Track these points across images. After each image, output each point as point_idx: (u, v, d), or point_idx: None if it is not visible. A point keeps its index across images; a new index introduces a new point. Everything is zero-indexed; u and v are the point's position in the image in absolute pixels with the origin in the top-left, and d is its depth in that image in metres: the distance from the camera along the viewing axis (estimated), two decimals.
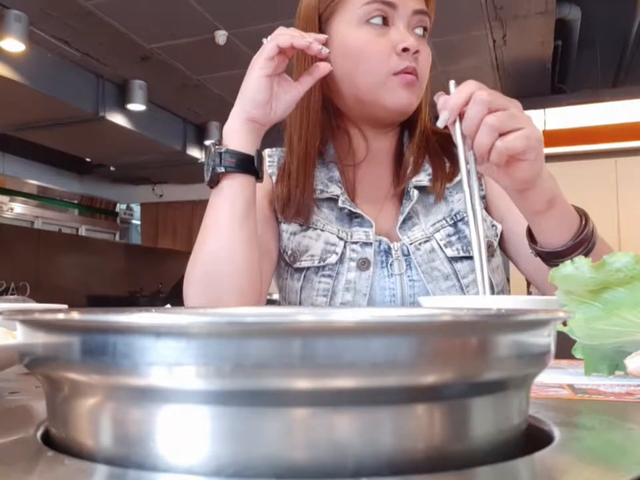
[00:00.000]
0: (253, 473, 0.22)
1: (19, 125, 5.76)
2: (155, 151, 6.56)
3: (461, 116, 0.73)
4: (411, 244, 0.95)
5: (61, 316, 0.26)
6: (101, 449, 0.24)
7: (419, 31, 0.95)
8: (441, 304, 0.71)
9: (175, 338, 0.22)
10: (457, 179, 0.99)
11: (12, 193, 7.69)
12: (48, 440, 0.28)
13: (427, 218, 0.97)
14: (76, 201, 8.65)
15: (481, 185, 0.99)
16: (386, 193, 1.01)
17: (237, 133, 0.85)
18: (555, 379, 0.54)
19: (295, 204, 0.97)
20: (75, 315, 0.27)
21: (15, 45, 4.17)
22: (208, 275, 0.84)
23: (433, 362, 0.23)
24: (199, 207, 8.36)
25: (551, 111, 5.42)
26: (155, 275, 6.49)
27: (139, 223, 9.37)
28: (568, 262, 0.55)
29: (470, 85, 0.72)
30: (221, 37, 4.40)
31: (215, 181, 0.86)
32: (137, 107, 5.48)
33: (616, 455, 0.28)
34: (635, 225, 5.00)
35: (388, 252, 0.95)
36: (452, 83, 0.76)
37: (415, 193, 0.97)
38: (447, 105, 0.73)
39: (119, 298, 5.79)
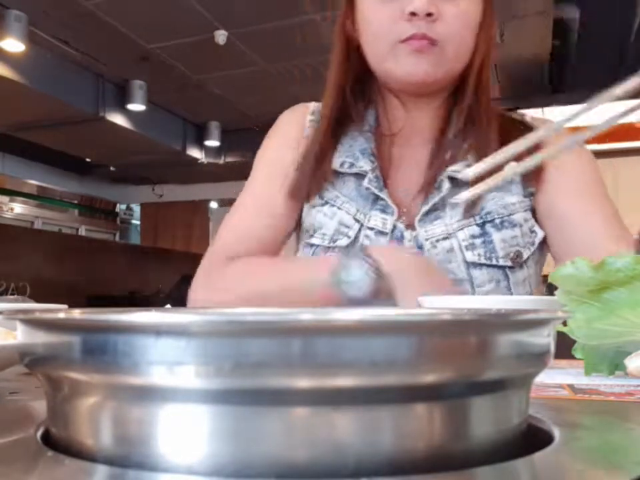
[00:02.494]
0: (253, 473, 0.22)
1: (18, 125, 5.76)
2: (155, 151, 6.56)
3: None
4: (427, 239, 0.85)
5: (61, 316, 0.26)
6: (101, 449, 0.24)
7: None
8: (441, 304, 0.71)
9: (175, 337, 0.22)
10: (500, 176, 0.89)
11: (12, 193, 7.69)
12: (48, 440, 0.27)
13: (454, 212, 0.86)
14: (76, 201, 8.65)
15: (530, 184, 0.89)
16: (420, 176, 0.90)
17: None
18: (554, 379, 0.54)
19: (305, 179, 0.91)
20: (75, 315, 0.27)
21: (14, 45, 4.17)
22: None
23: (433, 361, 0.23)
24: (199, 207, 8.37)
25: (549, 111, 5.42)
26: (155, 275, 6.49)
27: (138, 222, 9.37)
28: (568, 262, 0.55)
29: None
30: (221, 37, 4.40)
31: None
32: (136, 107, 5.48)
33: (616, 455, 0.28)
34: (634, 225, 4.99)
35: (400, 241, 0.86)
36: None
37: (446, 186, 0.86)
38: None
39: (119, 298, 5.79)
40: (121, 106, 5.54)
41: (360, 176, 0.90)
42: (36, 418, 0.32)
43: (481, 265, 0.85)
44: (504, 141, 0.88)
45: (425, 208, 0.87)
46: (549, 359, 0.28)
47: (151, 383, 0.22)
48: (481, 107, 0.90)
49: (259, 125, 5.57)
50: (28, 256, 5.39)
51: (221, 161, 7.04)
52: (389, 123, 0.93)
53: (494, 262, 0.85)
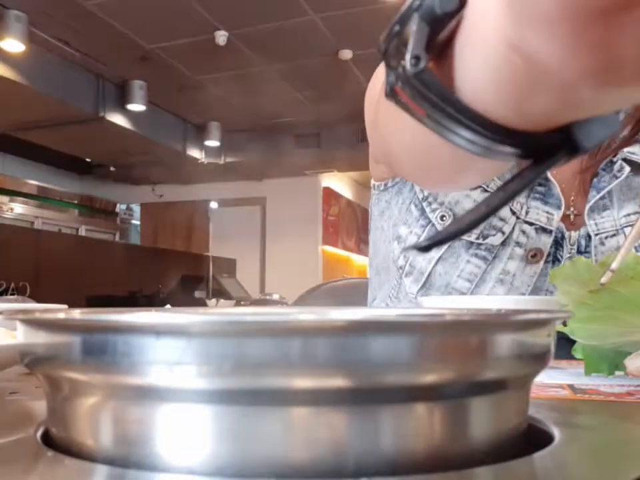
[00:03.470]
0: (253, 473, 0.22)
1: (18, 125, 5.77)
2: (155, 151, 6.56)
3: None
4: (596, 235, 0.71)
5: (61, 316, 0.26)
6: (100, 449, 0.24)
7: None
8: (441, 304, 0.71)
9: (175, 337, 0.22)
10: None
11: (12, 193, 7.68)
12: (48, 440, 0.27)
13: (622, 204, 0.72)
14: (76, 201, 8.64)
15: None
16: (583, 159, 0.75)
17: None
18: (554, 378, 0.54)
19: None
20: (75, 315, 0.27)
21: (14, 45, 4.18)
22: None
23: (433, 361, 0.23)
24: (199, 207, 8.37)
25: None
26: (155, 275, 6.49)
27: (138, 223, 9.37)
28: (567, 262, 0.55)
29: None
30: (221, 37, 4.41)
31: None
32: (136, 107, 5.48)
33: (616, 455, 0.28)
34: None
35: (559, 243, 0.72)
36: None
37: (626, 169, 0.71)
38: None
39: (119, 298, 5.79)
40: (120, 106, 5.54)
41: None
42: (36, 418, 0.32)
43: None
44: None
45: (597, 195, 0.73)
46: (549, 358, 0.28)
47: (151, 383, 0.22)
48: None
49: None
50: (28, 256, 5.39)
51: (221, 161, 7.04)
52: None
53: None
